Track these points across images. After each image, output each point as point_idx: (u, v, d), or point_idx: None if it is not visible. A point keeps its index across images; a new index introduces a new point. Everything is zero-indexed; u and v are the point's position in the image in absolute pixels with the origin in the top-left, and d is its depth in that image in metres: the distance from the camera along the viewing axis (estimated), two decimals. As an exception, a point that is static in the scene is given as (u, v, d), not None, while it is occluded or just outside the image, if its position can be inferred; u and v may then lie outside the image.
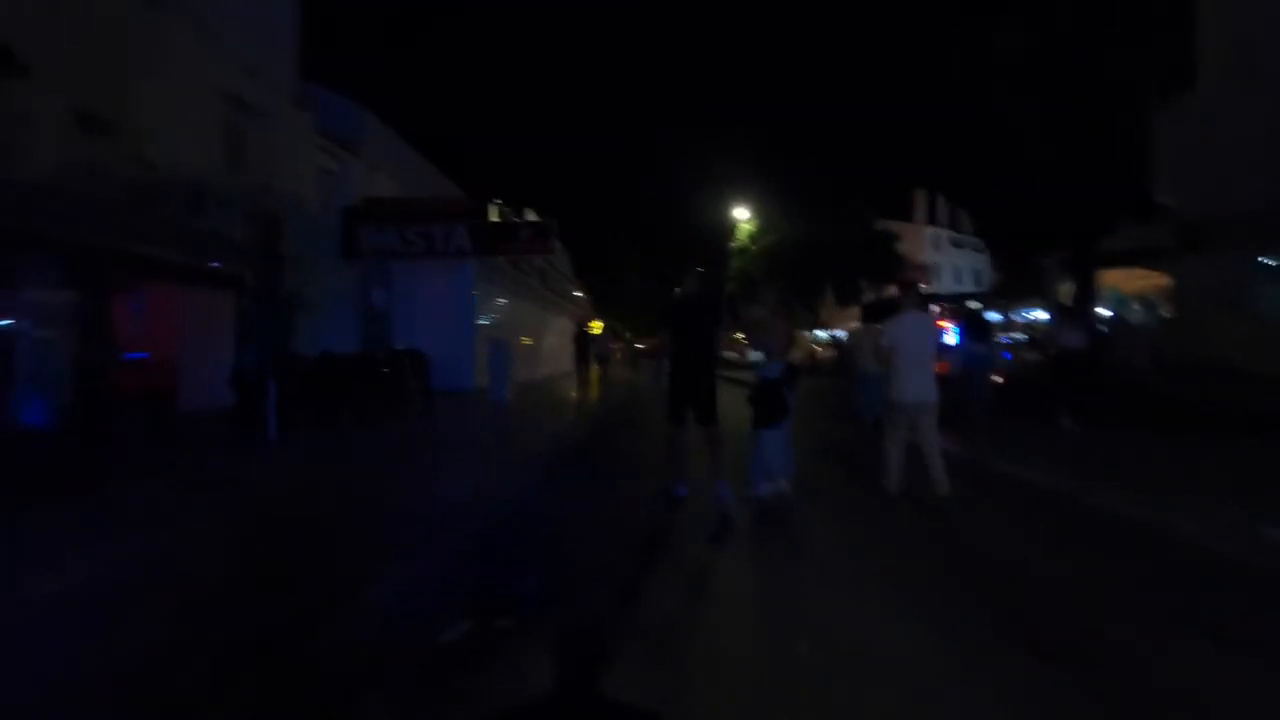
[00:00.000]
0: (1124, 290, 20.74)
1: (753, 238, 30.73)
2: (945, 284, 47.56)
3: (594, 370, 21.18)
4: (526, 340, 21.04)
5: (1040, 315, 22.20)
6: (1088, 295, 16.65)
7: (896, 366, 5.15)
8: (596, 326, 53.60)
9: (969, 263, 55.55)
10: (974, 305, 22.82)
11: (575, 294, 31.19)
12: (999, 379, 9.17)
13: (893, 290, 30.65)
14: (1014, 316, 24.37)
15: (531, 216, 23.56)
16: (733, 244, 31.76)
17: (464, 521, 4.69)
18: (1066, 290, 21.45)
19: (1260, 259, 14.14)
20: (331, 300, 11.45)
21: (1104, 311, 20.96)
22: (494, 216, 13.06)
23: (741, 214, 31.24)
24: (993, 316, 26.71)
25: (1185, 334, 15.46)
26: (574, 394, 14.65)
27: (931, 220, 52.44)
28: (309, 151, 12.13)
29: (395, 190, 13.72)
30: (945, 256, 52.48)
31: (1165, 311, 21.34)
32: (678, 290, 5.40)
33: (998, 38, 15.56)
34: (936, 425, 5.15)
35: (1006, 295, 26.47)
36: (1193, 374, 13.29)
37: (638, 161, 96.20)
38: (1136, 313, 21.04)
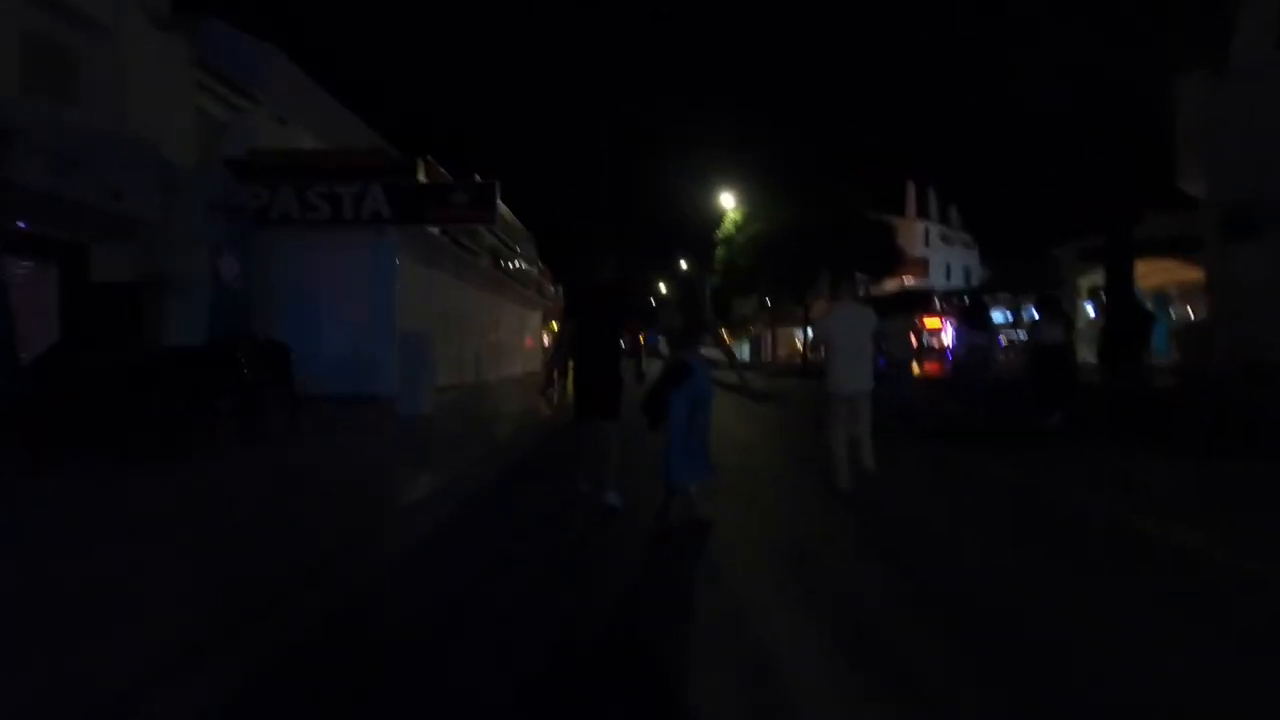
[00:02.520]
0: (1140, 285, 18.95)
1: (738, 225, 28.50)
2: (936, 280, 45.65)
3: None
4: (482, 336, 18.56)
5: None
6: (1125, 286, 14.66)
7: (833, 358, 5.22)
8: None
9: (959, 259, 54.05)
10: (978, 298, 20.82)
11: (545, 285, 28.31)
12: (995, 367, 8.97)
13: (894, 286, 28.79)
14: (1021, 312, 22.55)
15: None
16: (719, 233, 29.56)
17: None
18: (1088, 282, 19.66)
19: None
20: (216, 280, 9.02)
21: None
22: (423, 176, 10.40)
23: (729, 202, 29.04)
24: (995, 313, 24.95)
25: (1234, 331, 13.52)
26: (526, 404, 12.26)
27: (922, 214, 50.67)
28: (180, 89, 9.57)
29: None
30: (936, 252, 50.70)
31: (1179, 307, 19.35)
32: (588, 276, 5.06)
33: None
34: (869, 411, 5.30)
35: (1014, 289, 24.59)
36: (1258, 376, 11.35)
37: (616, 143, 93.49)
38: (1089, 311, 19.30)
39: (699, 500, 4.58)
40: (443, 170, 11.79)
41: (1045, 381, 8.53)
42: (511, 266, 20.09)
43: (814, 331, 5.87)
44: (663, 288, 52.44)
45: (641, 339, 5.89)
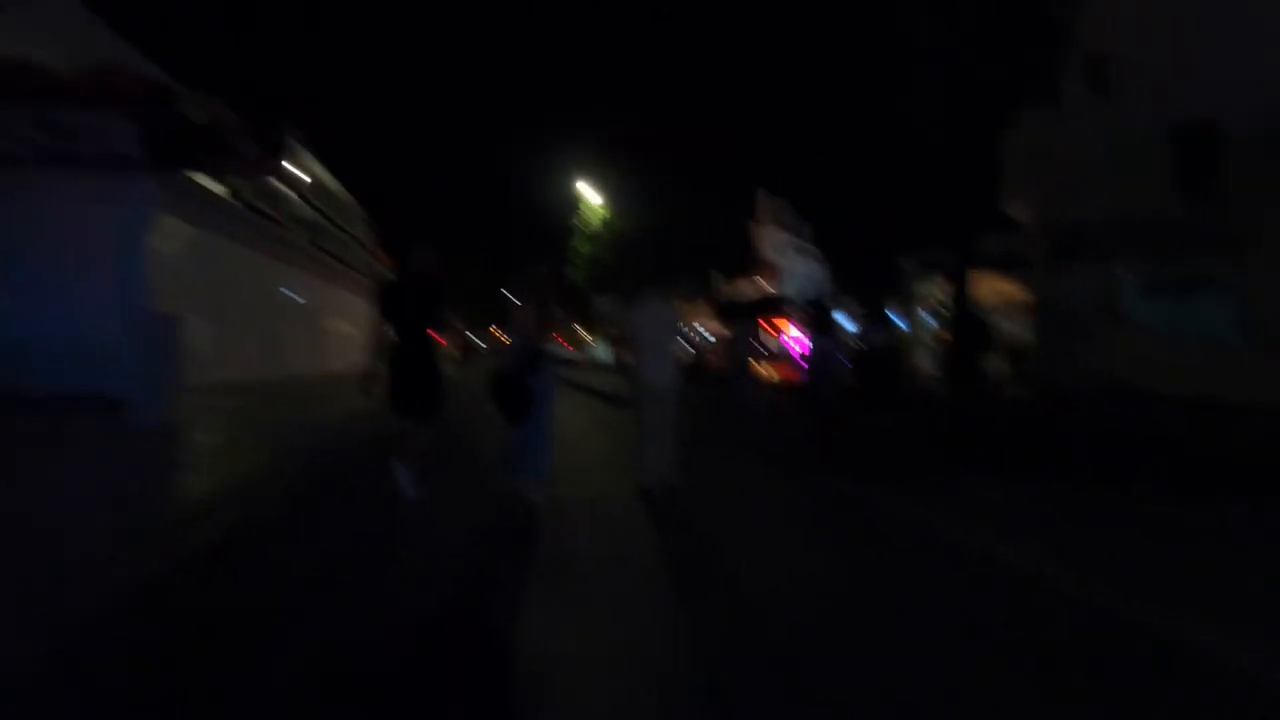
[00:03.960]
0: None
1: (606, 223, 27.43)
2: (788, 289, 47.54)
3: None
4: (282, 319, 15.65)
5: (895, 319, 21.19)
6: (965, 298, 15.35)
7: (639, 353, 5.27)
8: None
9: (805, 267, 57.00)
10: (821, 303, 21.36)
11: (381, 269, 25.19)
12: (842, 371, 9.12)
13: (747, 287, 29.14)
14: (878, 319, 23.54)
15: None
16: (578, 224, 28.31)
17: None
18: (930, 292, 20.74)
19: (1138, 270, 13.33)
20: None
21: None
22: (202, 118, 7.89)
23: (590, 193, 27.86)
24: (843, 320, 25.93)
25: (1057, 348, 14.54)
26: (339, 403, 10.15)
27: (775, 223, 52.68)
28: None
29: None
30: (788, 261, 52.88)
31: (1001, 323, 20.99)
32: (402, 269, 4.86)
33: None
34: (675, 411, 5.30)
35: (860, 296, 25.67)
36: (1077, 395, 12.10)
37: (465, 130, 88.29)
38: (926, 320, 20.74)
39: (536, 491, 4.58)
40: (233, 114, 9.18)
41: (871, 381, 9.10)
42: (340, 246, 16.98)
43: (625, 327, 5.56)
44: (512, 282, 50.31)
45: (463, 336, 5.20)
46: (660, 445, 5.21)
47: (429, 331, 4.55)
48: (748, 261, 26.67)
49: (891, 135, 18.04)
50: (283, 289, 13.91)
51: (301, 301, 15.07)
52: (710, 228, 25.07)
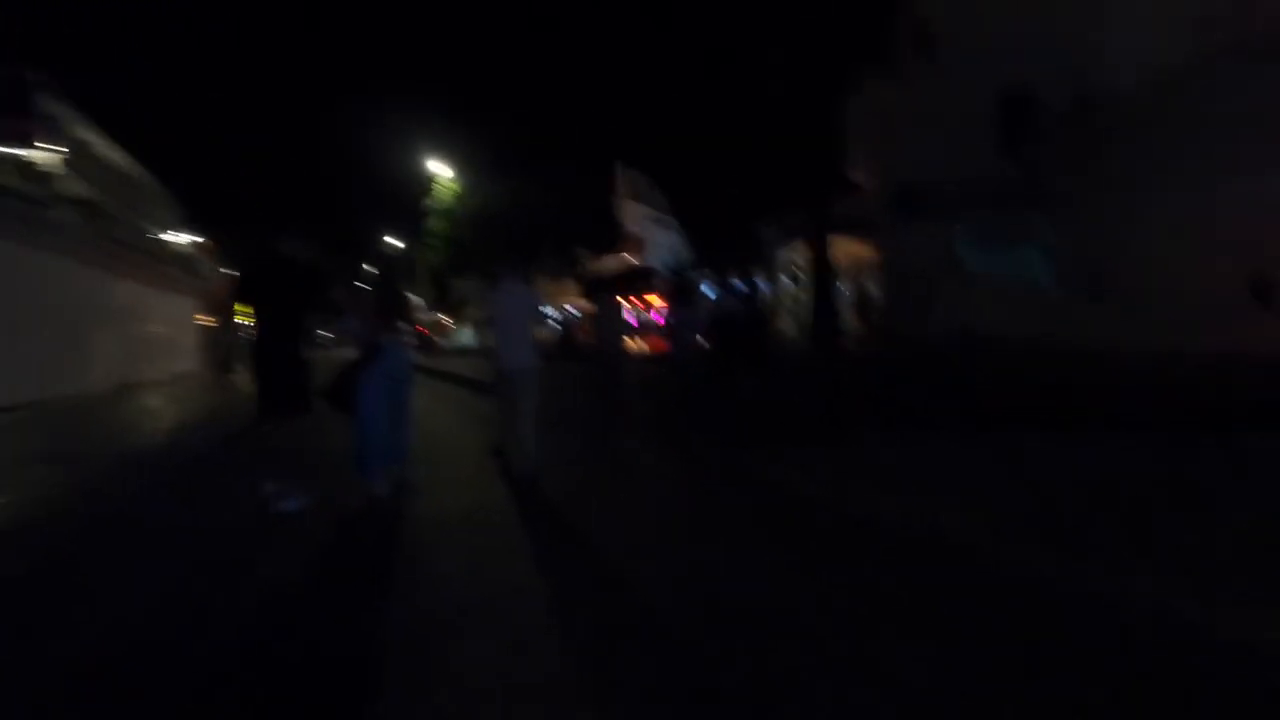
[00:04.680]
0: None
1: (459, 199, 25.72)
2: (654, 262, 47.91)
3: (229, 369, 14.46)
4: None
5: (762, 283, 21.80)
6: (823, 260, 15.96)
7: (497, 335, 5.24)
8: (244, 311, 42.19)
9: (666, 240, 57.77)
10: (684, 274, 21.58)
11: (202, 261, 21.63)
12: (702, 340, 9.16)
13: (613, 262, 28.76)
14: (735, 284, 24.03)
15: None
16: (429, 202, 26.36)
17: None
18: (789, 257, 21.46)
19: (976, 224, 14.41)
20: None
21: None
22: None
23: (441, 170, 25.97)
24: (706, 289, 26.39)
25: (909, 304, 15.49)
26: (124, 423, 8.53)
27: (631, 196, 52.72)
28: None
29: None
30: (647, 233, 53.21)
31: (849, 283, 22.28)
32: (267, 252, 4.44)
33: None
34: (536, 393, 5.23)
35: (720, 266, 26.19)
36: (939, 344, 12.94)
37: (298, 99, 79.53)
38: (787, 285, 21.88)
39: (399, 476, 4.59)
40: None
41: (725, 349, 9.03)
42: (133, 232, 13.97)
43: (482, 310, 5.68)
44: (366, 267, 46.62)
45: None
46: (522, 430, 5.11)
47: (296, 321, 4.34)
48: (613, 236, 26.29)
49: (737, 97, 18.30)
50: (52, 287, 11.13)
51: (83, 301, 12.29)
52: (571, 203, 24.35)
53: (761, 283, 21.01)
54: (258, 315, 4.25)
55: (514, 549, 3.53)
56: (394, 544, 3.72)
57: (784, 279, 21.54)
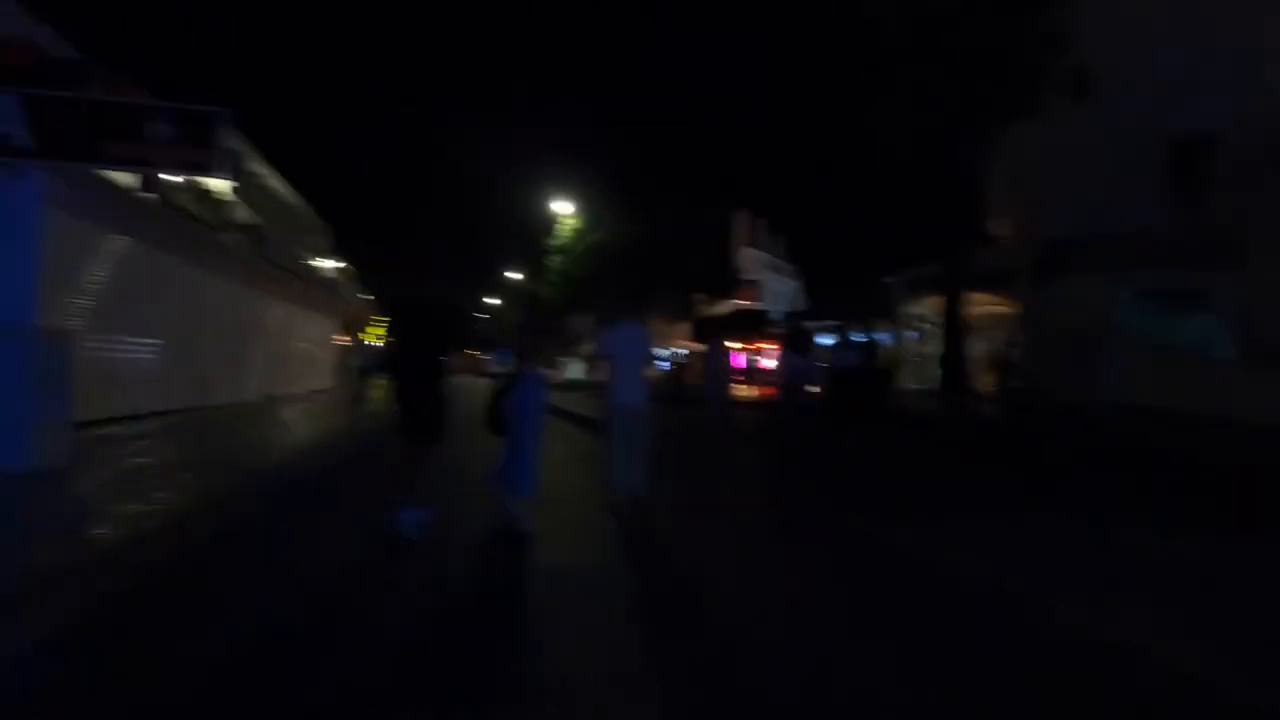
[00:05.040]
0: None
1: (578, 234, 26.63)
2: (766, 305, 47.33)
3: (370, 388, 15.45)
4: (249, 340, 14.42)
5: (883, 336, 20.73)
6: (956, 315, 14.89)
7: (613, 374, 5.33)
8: (380, 332, 45.63)
9: (783, 287, 56.96)
10: (802, 324, 20.93)
11: (345, 286, 23.65)
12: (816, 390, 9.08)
13: (728, 308, 28.55)
14: (854, 337, 23.08)
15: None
16: (553, 240, 27.45)
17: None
18: (917, 311, 20.35)
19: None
20: None
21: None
22: (100, 94, 6.72)
23: (564, 208, 27.08)
24: (825, 338, 25.51)
25: (1045, 364, 14.09)
26: (282, 434, 9.16)
27: (753, 243, 52.60)
28: None
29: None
30: (763, 279, 52.78)
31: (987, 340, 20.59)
32: (413, 290, 4.79)
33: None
34: (647, 430, 5.36)
35: (840, 315, 25.26)
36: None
37: (435, 139, 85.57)
38: (911, 338, 20.43)
39: (522, 514, 4.58)
40: (147, 94, 8.08)
41: (842, 402, 9.03)
42: (291, 257, 15.46)
43: (598, 349, 5.89)
44: (494, 301, 49.22)
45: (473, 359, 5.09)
46: (631, 462, 5.26)
47: (437, 357, 4.57)
48: (730, 281, 26.14)
49: (868, 151, 17.72)
50: (217, 305, 12.47)
51: (244, 319, 13.86)
52: (689, 245, 24.49)
53: (882, 335, 19.97)
54: (404, 349, 4.52)
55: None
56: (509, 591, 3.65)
57: (907, 334, 20.37)
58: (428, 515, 4.35)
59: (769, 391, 19.60)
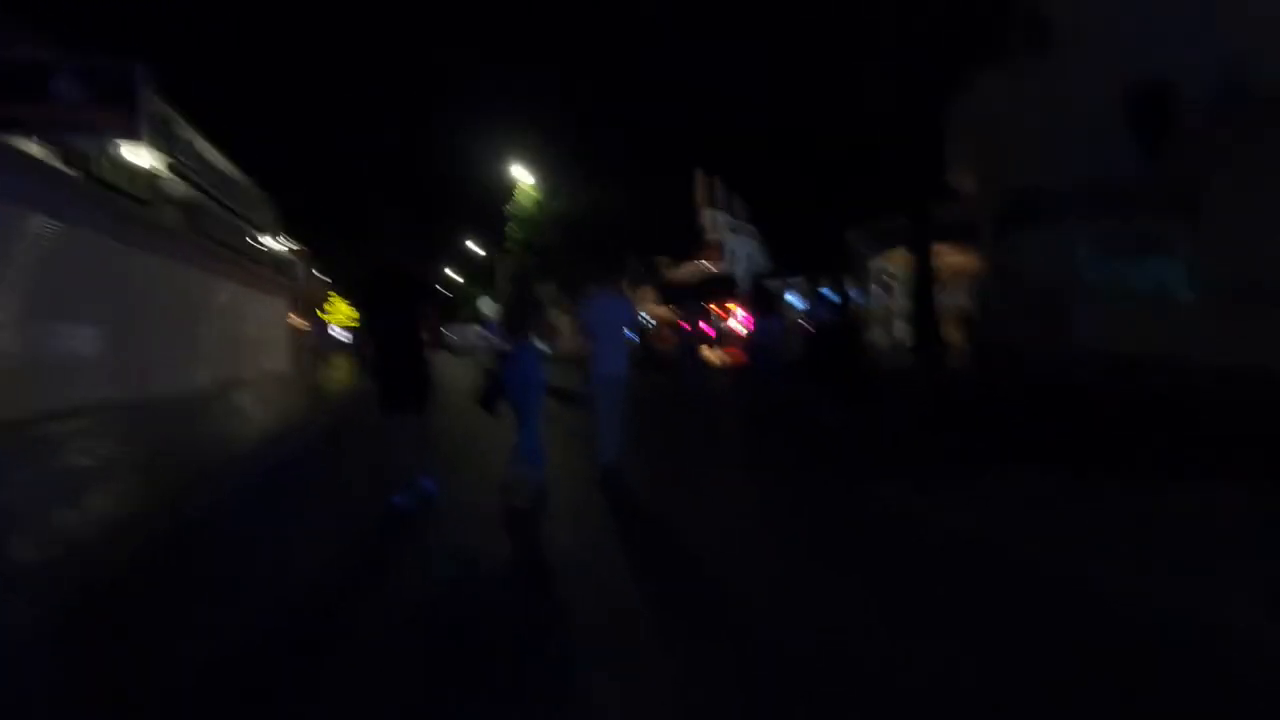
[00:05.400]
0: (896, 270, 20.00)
1: (540, 204, 25.87)
2: (734, 269, 47.12)
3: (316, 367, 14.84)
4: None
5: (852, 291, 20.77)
6: (925, 270, 14.94)
7: (595, 343, 5.37)
8: (340, 313, 43.94)
9: (743, 247, 56.84)
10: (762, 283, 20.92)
11: (296, 264, 22.41)
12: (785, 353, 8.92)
13: (694, 270, 28.27)
14: (826, 293, 23.12)
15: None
16: (510, 208, 26.65)
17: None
18: (881, 266, 20.39)
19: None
20: None
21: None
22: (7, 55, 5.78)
23: (524, 175, 26.20)
24: (791, 298, 25.52)
25: (1019, 318, 14.25)
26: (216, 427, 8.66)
27: (711, 204, 52.09)
28: None
29: None
30: (724, 239, 52.42)
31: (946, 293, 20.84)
32: (378, 260, 4.90)
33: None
34: (626, 398, 5.47)
35: (809, 274, 25.24)
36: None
37: (388, 99, 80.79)
38: (879, 294, 20.59)
39: (521, 488, 4.61)
40: (62, 53, 7.16)
41: (820, 362, 8.83)
42: (233, 233, 14.26)
43: (579, 318, 5.66)
44: (449, 272, 47.87)
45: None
46: (615, 428, 5.38)
47: (412, 325, 4.58)
48: (693, 243, 25.83)
49: (834, 104, 17.44)
50: (156, 286, 11.52)
51: (188, 301, 12.95)
52: (651, 209, 24.00)
53: (854, 292, 20.01)
54: (374, 322, 4.51)
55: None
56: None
57: (875, 289, 20.44)
58: (431, 487, 4.47)
59: (740, 356, 19.57)
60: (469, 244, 42.74)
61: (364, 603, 3.05)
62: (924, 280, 14.60)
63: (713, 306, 26.38)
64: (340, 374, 17.62)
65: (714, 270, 29.58)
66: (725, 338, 24.82)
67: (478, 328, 35.31)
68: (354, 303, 4.45)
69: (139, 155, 9.90)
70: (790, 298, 25.67)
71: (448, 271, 46.45)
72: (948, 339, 15.95)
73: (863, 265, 20.19)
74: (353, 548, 3.82)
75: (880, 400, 8.81)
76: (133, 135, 5.66)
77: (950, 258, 18.59)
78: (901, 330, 20.31)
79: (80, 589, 3.24)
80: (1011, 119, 14.60)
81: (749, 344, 9.30)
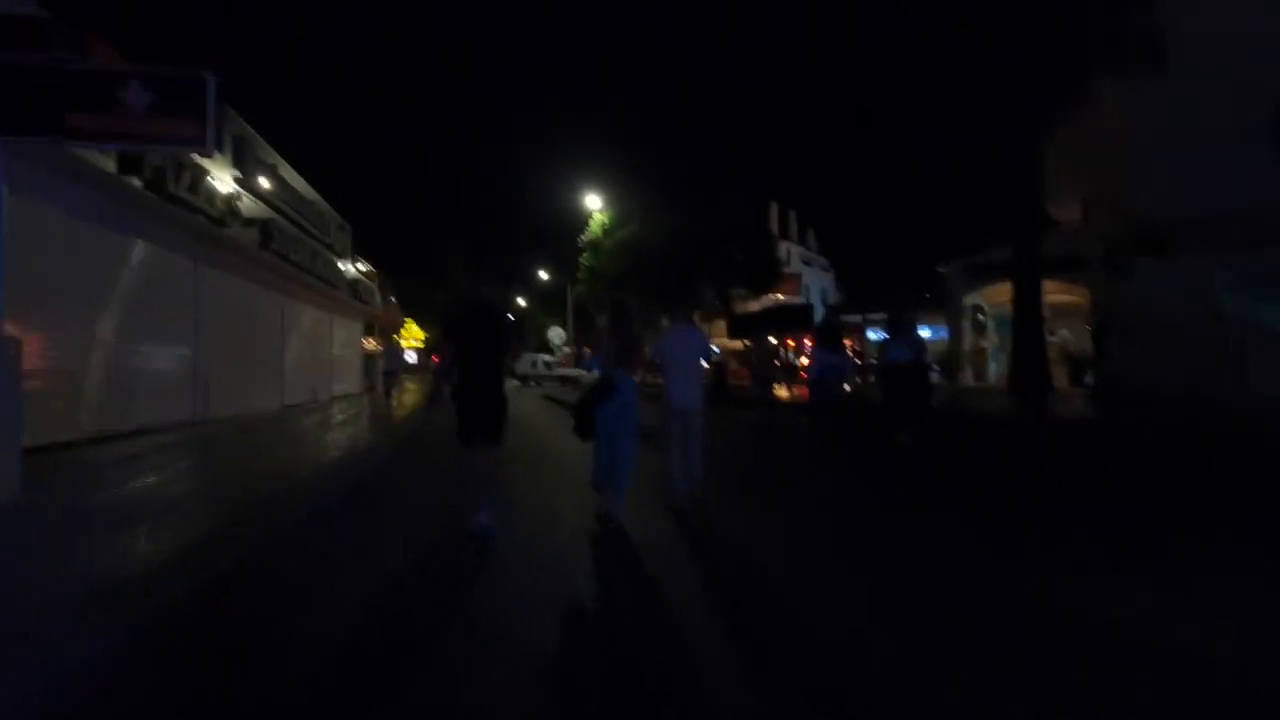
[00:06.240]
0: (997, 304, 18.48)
1: (606, 230, 25.65)
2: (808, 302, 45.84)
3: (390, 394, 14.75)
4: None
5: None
6: (1029, 305, 13.56)
7: (667, 376, 5.37)
8: (412, 337, 45.06)
9: (816, 280, 55.39)
10: (829, 319, 19.79)
11: (371, 288, 22.76)
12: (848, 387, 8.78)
13: (767, 301, 27.27)
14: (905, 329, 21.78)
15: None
16: (584, 238, 26.53)
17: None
18: (975, 302, 18.97)
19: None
20: None
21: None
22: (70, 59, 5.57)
23: (595, 204, 26.13)
24: (874, 332, 24.12)
25: (1127, 356, 12.68)
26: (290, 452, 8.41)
27: (784, 236, 51.11)
28: None
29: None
30: (798, 272, 51.20)
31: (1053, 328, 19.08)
32: (467, 296, 5.25)
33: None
34: (701, 430, 5.37)
35: (894, 308, 23.88)
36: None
37: (458, 131, 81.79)
38: (982, 325, 19.06)
39: (611, 506, 4.75)
40: (119, 57, 7.17)
41: (895, 401, 8.36)
42: (307, 254, 14.20)
43: (651, 352, 5.49)
44: (521, 302, 48.56)
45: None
46: (689, 460, 5.26)
47: (497, 359, 4.67)
48: (770, 276, 24.92)
49: (920, 134, 16.42)
50: (223, 305, 11.55)
51: (252, 322, 13.03)
52: (728, 239, 23.30)
53: (930, 329, 18.64)
54: (464, 355, 4.56)
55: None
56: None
57: (966, 326, 18.98)
58: (508, 509, 4.55)
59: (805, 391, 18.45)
60: (540, 272, 43.26)
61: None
62: (1028, 316, 13.22)
63: (787, 340, 25.30)
64: (412, 398, 17.53)
65: (786, 301, 28.51)
66: (798, 372, 23.67)
67: (545, 357, 35.31)
68: (442, 333, 4.27)
69: (222, 179, 10.03)
70: (871, 334, 24.35)
71: (518, 300, 47.08)
72: (1053, 380, 14.41)
73: (957, 301, 18.82)
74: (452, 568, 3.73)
75: (984, 452, 7.70)
76: (202, 146, 5.39)
77: (1052, 293, 17.04)
78: (994, 371, 18.71)
79: (190, 590, 3.27)
80: (1129, 144, 13.21)
81: (809, 379, 8.96)
